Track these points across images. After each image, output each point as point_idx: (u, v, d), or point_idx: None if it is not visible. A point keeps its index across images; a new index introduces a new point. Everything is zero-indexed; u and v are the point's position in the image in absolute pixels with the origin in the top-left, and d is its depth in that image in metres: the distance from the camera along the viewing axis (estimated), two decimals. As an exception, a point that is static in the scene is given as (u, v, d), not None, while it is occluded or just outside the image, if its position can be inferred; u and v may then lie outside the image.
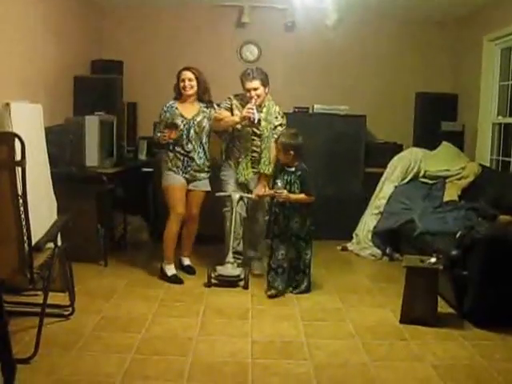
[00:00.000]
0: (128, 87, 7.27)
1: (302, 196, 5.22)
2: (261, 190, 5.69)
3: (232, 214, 5.66)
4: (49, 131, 4.83)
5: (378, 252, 6.74)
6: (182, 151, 5.57)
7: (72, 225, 4.60)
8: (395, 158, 7.33)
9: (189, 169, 5.59)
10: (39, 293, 4.24)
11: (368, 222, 7.04)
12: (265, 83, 5.59)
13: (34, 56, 5.68)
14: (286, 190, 5.21)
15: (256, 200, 5.76)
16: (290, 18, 7.71)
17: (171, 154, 5.59)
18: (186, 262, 5.96)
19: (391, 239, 6.67)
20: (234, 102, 5.70)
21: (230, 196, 5.69)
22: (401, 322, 4.65)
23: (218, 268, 5.49)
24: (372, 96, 7.94)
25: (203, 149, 5.67)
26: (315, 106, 7.46)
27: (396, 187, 7.06)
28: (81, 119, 5.86)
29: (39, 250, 3.85)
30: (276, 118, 5.73)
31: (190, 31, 7.84)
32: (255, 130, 5.67)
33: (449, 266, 4.72)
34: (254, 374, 3.68)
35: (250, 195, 5.74)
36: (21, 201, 3.58)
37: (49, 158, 4.64)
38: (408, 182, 7.11)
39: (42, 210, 4.22)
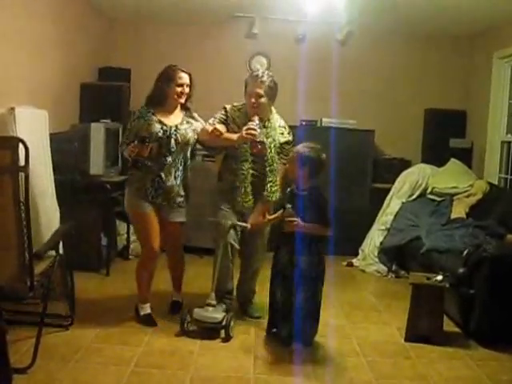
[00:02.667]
0: (135, 95, 7.20)
1: (317, 226, 4.22)
2: (257, 217, 4.67)
3: (221, 244, 4.65)
4: (54, 138, 4.79)
5: (384, 268, 6.67)
6: (155, 168, 4.54)
7: (74, 233, 4.57)
8: (403, 173, 7.31)
9: (160, 191, 4.55)
10: (39, 301, 4.18)
11: (374, 237, 7.00)
12: (272, 94, 4.67)
13: (41, 62, 5.66)
14: (298, 218, 4.20)
15: (252, 230, 4.73)
16: (301, 30, 7.67)
17: (139, 173, 4.58)
18: (174, 296, 5.12)
19: (397, 256, 6.61)
20: (231, 114, 4.74)
21: (219, 223, 4.69)
22: (406, 339, 4.60)
23: (196, 311, 4.47)
24: (381, 111, 7.90)
25: (184, 167, 4.66)
26: (323, 120, 7.42)
27: (403, 203, 7.03)
28: (86, 126, 5.83)
29: (40, 258, 3.81)
30: (282, 133, 4.77)
31: (199, 41, 7.83)
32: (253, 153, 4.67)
33: (455, 284, 4.68)
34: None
35: (244, 224, 4.69)
36: (23, 207, 3.54)
37: (53, 164, 4.60)
38: (415, 199, 7.09)
39: (44, 217, 4.18)
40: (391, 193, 7.25)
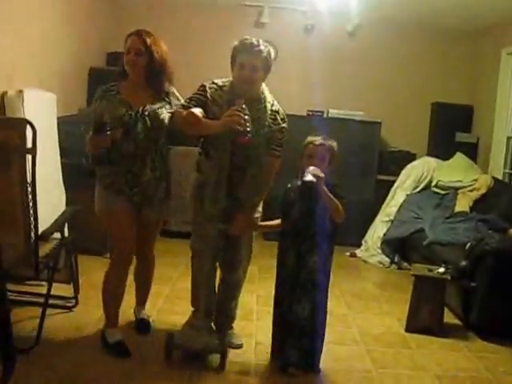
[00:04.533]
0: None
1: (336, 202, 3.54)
2: (239, 224, 3.80)
3: (207, 254, 3.82)
4: (61, 121, 4.82)
5: (387, 260, 6.69)
6: (126, 162, 3.72)
7: (80, 217, 4.59)
8: (408, 166, 7.33)
9: (136, 189, 3.74)
10: (43, 283, 4.21)
11: (378, 229, 7.02)
12: (268, 68, 3.73)
13: (50, 46, 5.68)
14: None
15: (235, 237, 3.89)
16: (310, 20, 7.67)
17: (110, 168, 3.75)
18: (141, 313, 4.32)
19: (400, 247, 6.64)
20: (211, 93, 3.72)
21: (204, 228, 3.80)
22: (406, 330, 4.63)
23: (179, 335, 3.77)
24: (387, 103, 7.89)
25: (160, 153, 3.81)
26: (330, 111, 7.44)
27: (408, 196, 7.06)
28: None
29: (45, 240, 3.83)
30: (273, 119, 3.78)
31: (207, 29, 7.82)
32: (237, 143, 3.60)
33: (457, 277, 4.71)
34: None
35: (231, 228, 3.82)
36: (29, 189, 3.56)
37: (60, 148, 4.62)
38: (420, 191, 7.12)
39: (50, 199, 4.22)
40: (396, 185, 7.28)
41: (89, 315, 4.33)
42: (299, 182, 3.67)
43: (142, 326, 4.21)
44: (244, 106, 3.47)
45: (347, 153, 7.03)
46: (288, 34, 7.82)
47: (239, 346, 4.06)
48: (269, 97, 3.84)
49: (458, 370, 4.00)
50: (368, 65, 7.92)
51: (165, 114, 3.77)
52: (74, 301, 4.48)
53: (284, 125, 3.82)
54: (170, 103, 3.84)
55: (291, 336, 3.67)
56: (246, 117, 3.45)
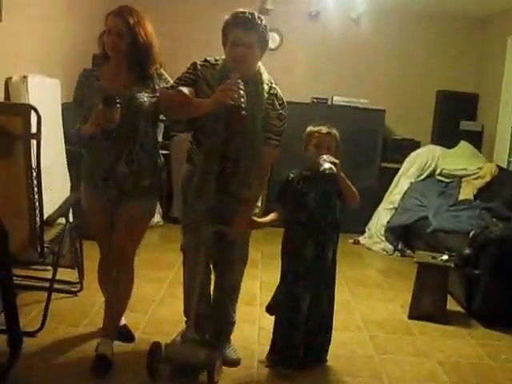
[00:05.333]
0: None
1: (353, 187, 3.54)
2: (241, 223, 3.42)
3: (200, 257, 3.43)
4: (65, 107, 4.83)
5: (390, 247, 6.71)
6: (99, 152, 3.38)
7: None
8: (412, 154, 7.34)
9: (110, 182, 3.39)
10: (48, 268, 4.25)
11: (381, 216, 7.03)
12: (264, 45, 3.30)
13: (54, 32, 5.68)
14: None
15: (234, 236, 3.48)
16: (314, 6, 7.64)
17: (87, 158, 3.50)
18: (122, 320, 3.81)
19: (404, 235, 6.67)
20: (203, 71, 3.32)
21: (198, 227, 3.43)
22: (409, 317, 4.66)
23: (167, 347, 3.39)
24: (392, 91, 7.88)
25: (140, 144, 3.37)
26: (334, 98, 7.43)
27: (412, 183, 7.07)
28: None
29: (50, 225, 3.85)
30: (271, 104, 3.37)
31: (211, 14, 7.77)
32: (231, 124, 3.23)
33: (460, 265, 4.72)
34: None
35: (225, 228, 3.43)
36: (34, 174, 3.57)
37: (64, 134, 4.64)
38: (424, 179, 7.12)
39: (55, 185, 4.23)
40: (400, 172, 7.29)
41: (93, 300, 4.36)
42: (305, 172, 3.54)
43: (124, 334, 3.80)
44: (239, 81, 3.07)
45: (351, 140, 7.04)
46: (293, 20, 7.81)
47: (237, 362, 3.65)
48: (266, 78, 3.39)
49: (460, 357, 4.02)
50: (373, 52, 7.90)
51: (144, 98, 3.34)
52: (78, 285, 4.51)
53: (282, 111, 3.40)
54: (153, 87, 3.40)
55: (310, 333, 3.57)
56: (241, 91, 3.04)
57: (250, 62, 3.27)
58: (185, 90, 3.23)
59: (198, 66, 3.34)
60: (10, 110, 3.66)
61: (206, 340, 3.60)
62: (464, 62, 7.96)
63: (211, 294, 3.76)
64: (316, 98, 7.46)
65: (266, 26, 3.25)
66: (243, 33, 3.19)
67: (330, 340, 3.71)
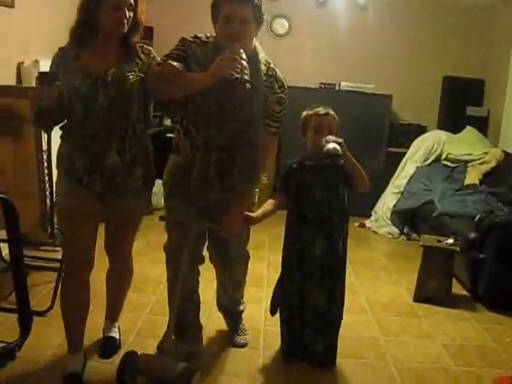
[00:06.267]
0: (157, 53, 7.27)
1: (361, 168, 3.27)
2: (234, 220, 3.04)
3: (184, 257, 3.01)
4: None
5: (396, 231, 6.74)
6: (84, 140, 2.92)
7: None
8: (419, 138, 7.36)
9: (96, 175, 2.95)
10: (58, 248, 4.29)
11: (388, 200, 7.06)
12: (260, 19, 2.93)
13: (64, 18, 5.66)
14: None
15: (231, 235, 3.14)
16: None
17: (67, 148, 3.00)
18: (111, 330, 3.54)
19: (410, 219, 6.69)
20: (193, 48, 2.93)
21: (182, 224, 3.10)
22: (414, 300, 4.69)
23: (143, 358, 2.99)
24: (399, 76, 7.86)
25: (132, 131, 2.98)
26: (342, 83, 7.44)
27: (418, 168, 7.08)
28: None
29: (60, 207, 3.88)
30: (269, 86, 2.98)
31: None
32: (231, 102, 2.91)
33: (465, 248, 4.74)
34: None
35: (216, 226, 3.09)
36: (44, 156, 3.61)
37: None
38: (430, 164, 7.13)
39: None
40: (406, 157, 7.30)
41: (102, 279, 4.39)
42: (308, 161, 3.29)
43: (106, 346, 3.45)
44: (241, 51, 2.69)
45: (358, 125, 7.08)
46: (301, 7, 7.80)
47: (243, 345, 3.65)
48: (264, 58, 3.01)
49: (465, 340, 4.06)
50: (380, 38, 7.88)
51: (135, 78, 2.94)
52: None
53: (282, 94, 3.03)
54: (142, 64, 3.01)
55: (325, 334, 3.41)
56: (244, 62, 2.66)
57: (247, 38, 2.86)
58: (174, 63, 2.84)
59: (188, 43, 2.95)
60: (21, 94, 3.70)
61: (187, 353, 3.25)
62: (470, 48, 7.93)
63: (199, 300, 3.45)
64: (324, 84, 7.47)
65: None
66: (237, 6, 2.80)
67: (334, 341, 3.47)
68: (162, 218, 3.11)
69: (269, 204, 3.30)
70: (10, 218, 3.17)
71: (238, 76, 2.62)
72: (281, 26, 7.83)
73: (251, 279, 4.32)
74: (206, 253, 3.43)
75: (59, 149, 3.03)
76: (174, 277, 3.19)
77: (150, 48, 3.12)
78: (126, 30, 2.92)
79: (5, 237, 3.05)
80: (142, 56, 3.03)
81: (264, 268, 5.10)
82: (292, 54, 7.55)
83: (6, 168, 3.85)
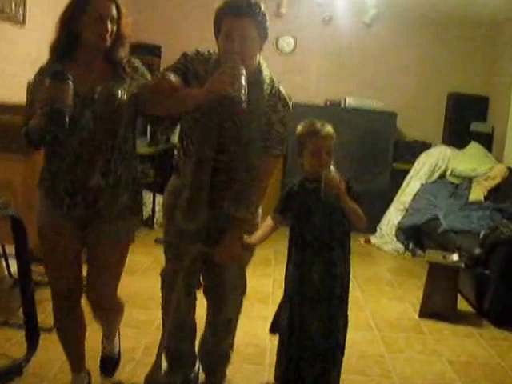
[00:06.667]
0: (165, 72, 7.33)
1: (357, 207, 3.04)
2: (230, 247, 2.82)
3: (179, 281, 2.92)
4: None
5: (401, 247, 6.77)
6: (67, 160, 2.67)
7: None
8: (423, 154, 7.41)
9: (78, 197, 2.70)
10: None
11: (393, 216, 7.08)
12: (263, 33, 2.70)
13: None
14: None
15: (226, 261, 2.88)
16: (327, 11, 7.69)
17: (50, 166, 2.75)
18: (106, 347, 3.36)
19: (415, 235, 6.71)
20: (194, 64, 2.75)
21: (178, 248, 2.92)
22: (420, 316, 4.70)
23: None
24: (404, 93, 7.92)
25: (118, 151, 2.73)
26: (347, 100, 7.49)
27: (423, 184, 7.11)
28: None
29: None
30: (272, 105, 2.77)
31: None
32: (229, 120, 2.70)
33: (471, 265, 4.76)
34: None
35: (210, 250, 2.85)
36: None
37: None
38: (435, 180, 7.16)
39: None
40: (411, 173, 7.34)
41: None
42: (309, 184, 3.07)
43: (106, 365, 3.34)
44: (241, 67, 2.46)
45: (364, 142, 7.13)
46: (306, 24, 7.88)
47: None
48: (267, 76, 2.78)
49: (470, 356, 4.05)
50: (385, 55, 7.95)
51: (123, 95, 2.70)
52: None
53: (286, 113, 2.82)
54: (131, 81, 2.78)
55: (315, 364, 3.13)
56: (242, 80, 2.42)
57: (248, 55, 2.64)
58: (171, 77, 2.65)
59: (189, 58, 2.78)
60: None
61: (182, 381, 3.11)
62: (474, 65, 7.99)
63: (195, 327, 3.21)
64: (329, 101, 7.52)
65: (264, 12, 2.67)
66: (238, 21, 2.59)
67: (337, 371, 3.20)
68: (157, 241, 2.95)
69: (266, 226, 3.12)
70: (19, 235, 3.21)
71: (234, 94, 2.40)
72: (287, 43, 7.90)
73: (257, 296, 4.35)
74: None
75: (42, 169, 2.80)
76: (168, 302, 3.01)
77: (137, 63, 2.90)
78: (108, 44, 2.70)
79: (13, 253, 3.08)
80: (130, 71, 2.81)
81: (269, 284, 5.11)
82: (298, 72, 7.62)
83: (15, 184, 3.89)
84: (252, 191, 2.77)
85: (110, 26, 2.68)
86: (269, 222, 3.15)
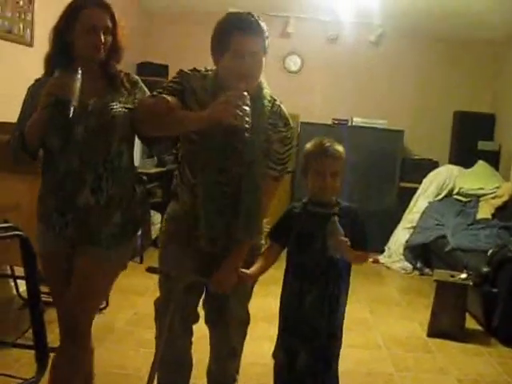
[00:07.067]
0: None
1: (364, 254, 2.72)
2: (228, 274, 2.61)
3: (169, 312, 2.57)
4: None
5: (409, 266, 6.76)
6: (57, 176, 2.53)
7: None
8: (431, 174, 7.41)
9: (68, 216, 2.54)
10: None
11: (400, 235, 7.08)
12: (266, 51, 2.57)
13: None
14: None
15: (220, 291, 2.66)
16: (333, 30, 7.75)
17: (43, 185, 2.64)
18: None
19: (422, 254, 6.72)
20: (192, 82, 2.59)
21: (169, 277, 2.65)
22: (428, 335, 4.69)
23: None
24: (410, 112, 7.95)
25: (111, 167, 2.56)
26: (354, 119, 7.53)
27: (430, 203, 7.11)
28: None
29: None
30: (272, 124, 2.61)
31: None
32: (232, 145, 2.54)
33: (479, 283, 4.74)
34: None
35: (206, 280, 2.67)
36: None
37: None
38: (442, 199, 7.16)
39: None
40: (418, 192, 7.36)
41: (118, 316, 4.46)
42: (312, 207, 2.75)
43: None
44: (246, 94, 2.34)
45: (371, 160, 7.15)
46: (313, 43, 7.92)
47: None
48: (268, 93, 2.66)
49: (479, 375, 4.03)
50: (391, 74, 7.98)
51: (119, 109, 2.57)
52: (104, 303, 4.59)
53: (287, 133, 2.65)
54: (128, 95, 2.65)
55: None
56: (247, 108, 2.30)
57: (258, 74, 2.57)
58: (168, 98, 2.50)
59: (186, 75, 2.62)
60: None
61: None
62: (480, 83, 8.02)
63: (191, 362, 2.97)
64: (336, 120, 7.55)
65: (266, 28, 2.57)
66: (250, 39, 2.48)
67: None
68: (149, 270, 2.71)
69: (265, 258, 2.81)
70: (27, 255, 3.23)
71: (238, 123, 2.29)
72: (294, 62, 7.95)
73: (261, 315, 4.34)
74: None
75: (38, 194, 2.65)
76: (161, 334, 2.70)
77: (136, 77, 2.77)
78: (102, 55, 2.58)
79: (22, 274, 3.09)
80: (128, 86, 2.68)
81: (276, 304, 5.09)
82: (305, 90, 7.66)
83: (23, 205, 3.92)
84: (253, 215, 2.61)
85: (103, 37, 2.55)
86: (267, 252, 2.85)
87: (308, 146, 2.75)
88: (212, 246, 2.61)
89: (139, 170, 5.72)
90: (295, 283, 2.79)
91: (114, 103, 2.56)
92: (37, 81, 2.67)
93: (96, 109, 2.52)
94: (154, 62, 7.51)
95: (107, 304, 4.60)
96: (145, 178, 5.69)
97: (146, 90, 2.72)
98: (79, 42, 2.54)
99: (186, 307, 2.73)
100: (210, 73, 2.62)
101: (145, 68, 7.42)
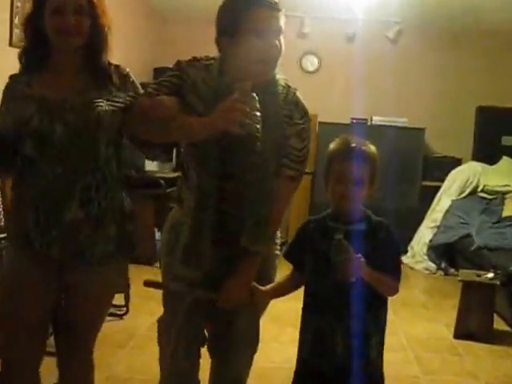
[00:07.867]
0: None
1: (387, 278, 2.24)
2: (235, 289, 2.22)
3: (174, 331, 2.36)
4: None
5: (433, 266, 6.68)
6: (37, 190, 2.18)
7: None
8: (454, 171, 7.32)
9: (52, 233, 2.17)
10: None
11: (424, 235, 7.01)
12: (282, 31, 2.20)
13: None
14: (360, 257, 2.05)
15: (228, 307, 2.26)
16: (350, 28, 7.70)
17: (13, 197, 2.35)
18: None
19: (447, 253, 6.64)
20: (192, 74, 2.23)
21: (173, 293, 2.32)
22: (455, 336, 4.61)
23: None
24: (431, 108, 7.85)
25: (102, 175, 2.22)
26: (374, 118, 7.46)
27: (453, 201, 7.03)
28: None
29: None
30: (287, 115, 2.20)
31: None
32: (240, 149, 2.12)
33: (506, 282, 4.66)
34: None
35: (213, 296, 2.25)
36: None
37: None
38: (466, 197, 7.08)
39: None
40: (441, 190, 7.28)
41: (139, 322, 4.43)
42: (332, 223, 2.22)
43: None
44: (254, 95, 1.97)
45: (392, 160, 7.04)
46: (330, 43, 7.88)
47: None
48: (281, 79, 2.27)
49: (509, 378, 3.96)
50: (411, 70, 7.90)
51: (105, 107, 2.20)
52: (124, 309, 4.58)
53: (305, 125, 2.24)
54: (117, 90, 2.30)
55: None
56: (257, 113, 1.95)
57: (278, 59, 2.20)
58: (166, 99, 2.18)
59: (184, 67, 2.26)
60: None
61: None
62: (503, 77, 7.90)
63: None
64: (355, 119, 7.48)
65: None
66: (273, 15, 2.13)
67: None
68: (146, 284, 2.40)
69: (285, 280, 2.41)
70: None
71: (245, 132, 1.95)
72: (311, 62, 7.91)
73: (287, 319, 4.29)
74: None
75: (8, 213, 2.32)
76: (163, 357, 2.48)
77: (127, 70, 2.44)
78: (79, 41, 2.21)
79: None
80: (117, 80, 2.33)
81: (300, 307, 5.05)
82: (323, 90, 7.59)
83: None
84: (264, 222, 2.20)
85: (74, 19, 2.15)
86: (289, 275, 2.41)
87: (332, 145, 2.27)
88: (188, 265, 2.24)
89: (157, 175, 5.76)
90: (315, 321, 2.28)
91: (100, 99, 2.20)
92: (10, 77, 2.32)
93: (76, 105, 2.17)
94: (167, 67, 7.46)
95: (128, 310, 4.58)
96: (162, 182, 5.68)
97: (137, 84, 2.42)
98: (48, 29, 2.17)
99: (190, 329, 2.37)
100: (212, 62, 2.27)
101: (162, 72, 7.35)
